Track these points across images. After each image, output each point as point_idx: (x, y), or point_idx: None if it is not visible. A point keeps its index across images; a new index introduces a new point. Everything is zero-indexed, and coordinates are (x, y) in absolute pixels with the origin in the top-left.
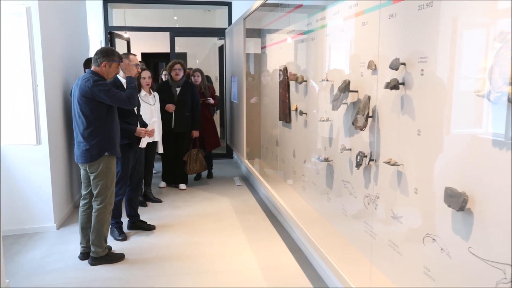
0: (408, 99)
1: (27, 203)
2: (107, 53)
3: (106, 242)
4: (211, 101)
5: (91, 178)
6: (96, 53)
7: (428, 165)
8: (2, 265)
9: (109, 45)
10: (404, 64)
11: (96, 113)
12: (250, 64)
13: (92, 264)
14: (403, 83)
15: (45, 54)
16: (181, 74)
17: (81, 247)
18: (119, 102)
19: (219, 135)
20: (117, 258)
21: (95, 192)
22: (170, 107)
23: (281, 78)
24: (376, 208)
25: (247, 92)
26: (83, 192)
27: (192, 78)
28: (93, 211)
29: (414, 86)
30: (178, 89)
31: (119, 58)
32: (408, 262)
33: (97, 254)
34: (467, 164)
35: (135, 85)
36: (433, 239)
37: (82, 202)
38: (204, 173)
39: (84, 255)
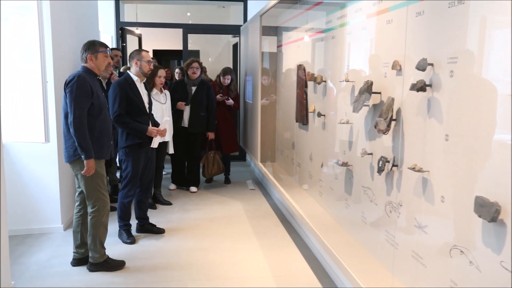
0: (435, 101)
1: (34, 203)
2: (89, 46)
3: (103, 248)
4: (231, 102)
5: (79, 180)
6: (80, 51)
7: (456, 172)
8: (8, 266)
9: (120, 41)
10: (431, 64)
11: None
12: (265, 63)
13: (89, 270)
14: (430, 85)
15: (55, 50)
16: (198, 72)
17: (73, 252)
18: (70, 112)
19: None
20: (116, 265)
21: (85, 195)
22: (181, 105)
23: (298, 78)
24: (398, 217)
25: (263, 92)
26: (76, 194)
27: (222, 79)
28: (88, 214)
29: (442, 88)
30: (193, 88)
31: (104, 47)
32: (433, 275)
33: (94, 259)
34: (500, 172)
35: (87, 153)
36: (461, 251)
37: (75, 204)
38: (217, 176)
39: (75, 261)
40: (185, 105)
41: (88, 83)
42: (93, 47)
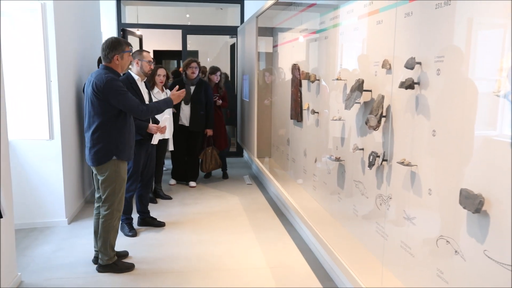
0: (423, 98)
1: (39, 198)
2: (115, 46)
3: (113, 251)
4: (220, 102)
5: (100, 182)
6: (103, 49)
7: (443, 166)
8: (14, 258)
9: None
10: (419, 63)
11: (108, 114)
12: (262, 63)
13: (98, 271)
14: (418, 83)
15: (59, 50)
16: (197, 72)
17: (94, 251)
18: (129, 110)
19: (229, 134)
20: (125, 268)
21: (103, 197)
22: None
23: (293, 77)
24: (388, 209)
25: (259, 91)
26: (96, 195)
27: (214, 76)
28: (100, 217)
29: (429, 85)
30: (192, 88)
31: (128, 46)
32: (420, 264)
33: (103, 261)
34: (484, 166)
35: (167, 105)
36: (447, 241)
37: (95, 206)
38: (215, 171)
39: (96, 259)
40: (185, 104)
41: (118, 80)
42: (120, 46)
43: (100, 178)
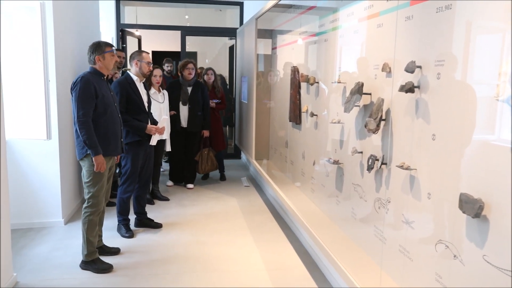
0: (423, 102)
1: (36, 198)
2: (95, 47)
3: (92, 247)
4: (213, 105)
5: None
6: (87, 53)
7: (442, 170)
8: (10, 258)
9: (120, 42)
10: (420, 67)
11: None
12: (261, 65)
13: (80, 266)
14: (418, 86)
15: (58, 50)
16: (194, 73)
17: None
18: (76, 112)
19: (227, 135)
20: (102, 269)
21: (84, 190)
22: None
23: (292, 79)
24: (387, 213)
25: (258, 93)
26: None
27: (206, 76)
28: (82, 209)
29: (430, 89)
30: (189, 88)
31: (110, 46)
32: (419, 268)
33: (83, 257)
34: (484, 170)
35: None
36: (446, 246)
37: None
38: (213, 173)
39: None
40: (183, 105)
41: (92, 84)
42: (100, 48)
43: (83, 171)
